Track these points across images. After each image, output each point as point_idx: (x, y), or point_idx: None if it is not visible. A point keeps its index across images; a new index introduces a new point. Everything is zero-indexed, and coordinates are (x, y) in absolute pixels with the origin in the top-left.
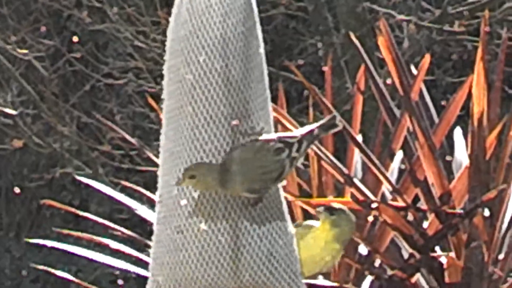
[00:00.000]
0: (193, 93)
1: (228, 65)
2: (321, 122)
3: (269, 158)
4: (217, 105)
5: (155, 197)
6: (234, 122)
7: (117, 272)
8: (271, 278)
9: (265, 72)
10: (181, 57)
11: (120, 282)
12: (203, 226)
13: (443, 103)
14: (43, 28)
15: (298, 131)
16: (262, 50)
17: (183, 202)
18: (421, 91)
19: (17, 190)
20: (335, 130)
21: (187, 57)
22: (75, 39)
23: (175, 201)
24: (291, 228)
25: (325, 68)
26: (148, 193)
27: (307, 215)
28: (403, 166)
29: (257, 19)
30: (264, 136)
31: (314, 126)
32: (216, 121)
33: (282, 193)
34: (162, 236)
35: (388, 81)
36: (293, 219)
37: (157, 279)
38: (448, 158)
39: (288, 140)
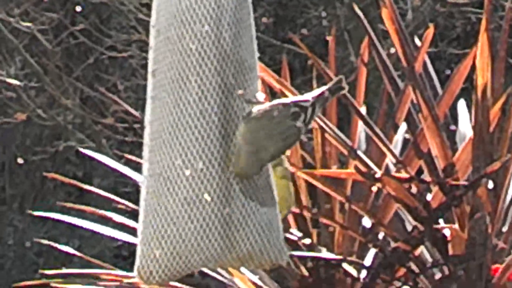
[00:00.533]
0: (201, 63)
1: (222, 32)
2: (329, 85)
3: (287, 123)
4: (212, 73)
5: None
6: (239, 92)
7: (120, 245)
8: (262, 248)
9: (254, 41)
10: (183, 28)
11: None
12: (206, 196)
13: (447, 72)
14: None
15: (310, 95)
16: (251, 19)
17: (187, 172)
18: (424, 63)
19: (20, 161)
20: (342, 92)
21: (181, 25)
22: (78, 8)
23: (178, 172)
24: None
25: (329, 38)
26: None
27: (310, 187)
28: (407, 136)
29: None
30: (279, 101)
31: (322, 89)
32: (211, 89)
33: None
34: (151, 210)
35: (392, 50)
36: (297, 191)
37: (154, 252)
38: (452, 127)
39: (303, 104)
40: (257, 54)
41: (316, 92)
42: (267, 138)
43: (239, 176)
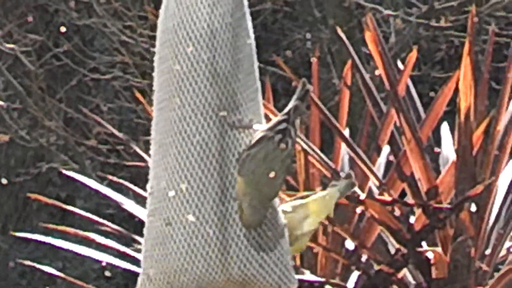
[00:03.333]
0: (181, 84)
1: (216, 56)
2: (296, 94)
3: (279, 156)
4: (205, 97)
5: (142, 191)
6: (222, 114)
7: (104, 267)
8: (261, 270)
9: (255, 63)
10: (170, 48)
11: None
12: (191, 217)
13: (430, 95)
14: (30, 19)
15: (282, 114)
16: (252, 41)
17: (171, 193)
18: (408, 86)
19: (4, 181)
20: (309, 93)
21: (175, 49)
22: (63, 29)
23: (163, 193)
24: (282, 220)
25: (313, 59)
26: (135, 188)
27: None
28: (390, 159)
29: (246, 10)
30: (258, 135)
31: (292, 101)
32: (204, 112)
33: None
34: (152, 228)
35: (377, 72)
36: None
37: (148, 272)
38: (436, 150)
39: (280, 127)
40: (258, 75)
41: (288, 107)
42: (267, 182)
43: (248, 227)
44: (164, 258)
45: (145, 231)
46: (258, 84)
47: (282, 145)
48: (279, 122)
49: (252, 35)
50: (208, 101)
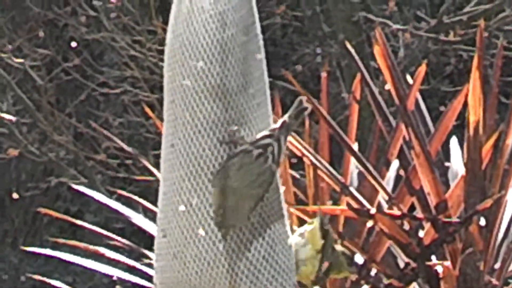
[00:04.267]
0: (190, 99)
1: (225, 71)
2: (290, 110)
3: (257, 169)
4: (214, 111)
5: (151, 206)
6: (232, 128)
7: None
8: (269, 286)
9: (266, 78)
10: (179, 62)
11: None
12: (201, 232)
13: (440, 109)
14: (41, 34)
15: (269, 130)
16: (262, 56)
17: (182, 208)
18: (417, 100)
19: (15, 196)
20: (306, 113)
21: (185, 64)
22: (74, 44)
23: (162, 204)
24: (290, 238)
25: (323, 74)
26: (144, 202)
27: (303, 223)
28: (400, 172)
29: (257, 25)
30: (238, 148)
31: (284, 117)
32: (213, 127)
33: (282, 197)
34: (156, 240)
35: (387, 86)
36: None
37: (156, 283)
38: (446, 164)
39: (263, 142)
40: (268, 90)
41: (278, 123)
42: (242, 190)
43: (223, 228)
44: (165, 269)
45: (155, 245)
46: (268, 99)
47: (262, 159)
48: (263, 137)
49: (262, 50)
50: (217, 116)
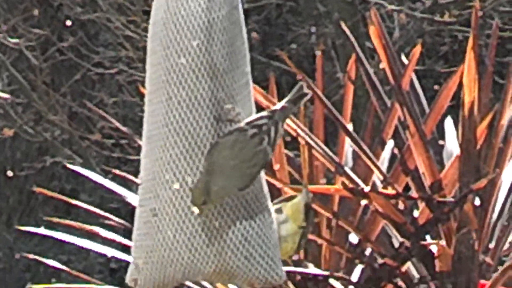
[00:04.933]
0: (186, 78)
1: (213, 46)
2: (290, 95)
3: (251, 149)
4: (210, 90)
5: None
6: (227, 106)
7: (108, 260)
8: (246, 263)
9: (247, 57)
10: (161, 40)
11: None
12: (195, 210)
13: (435, 88)
14: (35, 13)
15: (267, 111)
16: (244, 33)
17: (176, 185)
18: (412, 80)
19: (10, 173)
20: (305, 99)
21: (168, 41)
22: (68, 23)
23: (152, 183)
24: (272, 214)
25: (318, 53)
26: (139, 182)
27: None
28: (395, 152)
29: (240, 5)
30: (233, 127)
31: (283, 101)
32: (196, 104)
33: (263, 178)
34: (141, 219)
35: (381, 65)
36: None
37: (137, 262)
38: (440, 142)
39: (259, 122)
40: (249, 71)
41: (277, 106)
42: (233, 169)
43: (202, 205)
44: (152, 249)
45: (135, 221)
46: (250, 78)
47: (256, 140)
48: (260, 118)
49: (244, 28)
50: (214, 95)
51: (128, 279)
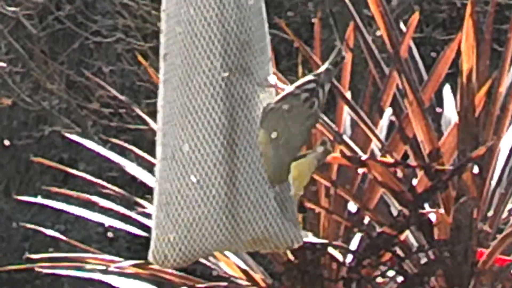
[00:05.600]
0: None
1: (215, 15)
2: (330, 58)
3: (304, 113)
4: (203, 56)
5: (144, 154)
6: (225, 74)
7: (106, 230)
8: (282, 227)
9: (265, 20)
10: (172, 8)
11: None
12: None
13: (432, 54)
14: None
15: (313, 75)
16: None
17: (197, 156)
18: (410, 48)
19: (7, 142)
20: (343, 62)
21: (177, 9)
22: None
23: (191, 156)
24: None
25: (314, 20)
26: (137, 151)
27: None
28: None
29: None
30: (286, 91)
31: (326, 64)
32: (204, 72)
33: None
34: (176, 192)
35: (378, 33)
36: None
37: (169, 237)
38: (438, 110)
39: (309, 87)
40: (268, 37)
41: (321, 69)
42: (291, 136)
43: (273, 182)
44: (193, 221)
45: (159, 196)
46: (269, 46)
47: (308, 103)
48: (308, 82)
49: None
50: (207, 61)
51: (152, 255)
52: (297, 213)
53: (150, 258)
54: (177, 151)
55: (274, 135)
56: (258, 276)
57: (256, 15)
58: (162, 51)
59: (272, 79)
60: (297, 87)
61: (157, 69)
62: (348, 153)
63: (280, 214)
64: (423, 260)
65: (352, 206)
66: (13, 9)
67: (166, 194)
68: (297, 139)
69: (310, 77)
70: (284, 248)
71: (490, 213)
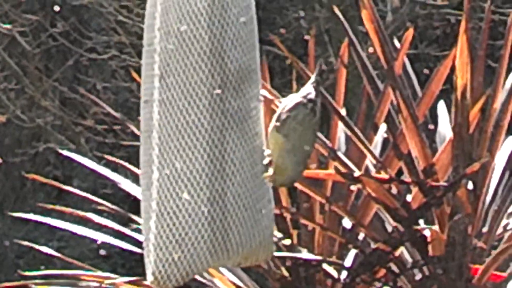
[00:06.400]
0: (176, 62)
1: (213, 32)
2: (316, 71)
3: (311, 121)
4: (201, 75)
5: (139, 171)
6: (216, 92)
7: (100, 246)
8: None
9: (257, 40)
10: (170, 27)
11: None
12: (185, 196)
13: (426, 71)
14: None
15: (311, 84)
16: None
17: (191, 174)
18: (404, 64)
19: (1, 160)
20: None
21: (175, 28)
22: (57, 8)
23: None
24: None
25: (308, 37)
26: (131, 167)
27: (290, 188)
28: (387, 136)
29: None
30: (294, 101)
31: (314, 76)
32: (196, 88)
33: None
34: (178, 211)
35: (371, 49)
36: (277, 192)
37: (173, 256)
38: (431, 127)
39: (312, 97)
40: (258, 54)
41: (312, 80)
42: (304, 141)
43: (285, 185)
44: (201, 239)
45: (158, 217)
46: (258, 63)
47: (312, 113)
48: (310, 92)
49: (253, 15)
50: (201, 78)
51: (154, 276)
52: (273, 224)
53: (149, 279)
54: (177, 171)
55: (291, 141)
56: None
57: (248, 32)
58: (157, 70)
59: (263, 95)
60: (303, 97)
61: None
62: (342, 169)
63: (267, 228)
64: (418, 276)
65: (347, 223)
66: (7, 26)
67: (168, 213)
68: (309, 145)
69: (309, 87)
70: (262, 260)
71: (484, 229)
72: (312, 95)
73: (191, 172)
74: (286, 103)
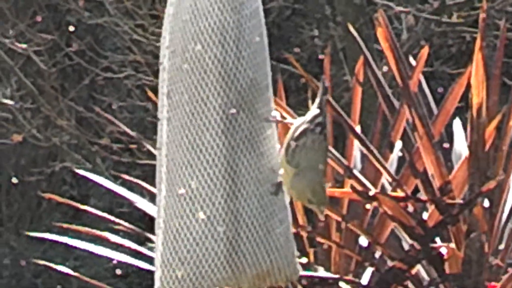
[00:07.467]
0: (189, 81)
1: (224, 52)
2: (320, 90)
3: (322, 143)
4: (212, 93)
5: (155, 190)
6: (232, 111)
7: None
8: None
9: (267, 61)
10: (178, 45)
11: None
12: (201, 215)
13: (440, 90)
14: (39, 19)
15: (317, 107)
16: (262, 38)
17: (182, 191)
18: (420, 82)
19: (15, 180)
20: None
21: (184, 46)
22: (72, 28)
23: (199, 193)
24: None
25: (322, 56)
26: (148, 186)
27: (306, 209)
28: (403, 154)
29: (259, 7)
30: (301, 128)
31: (319, 98)
32: (212, 109)
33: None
34: (186, 229)
35: (385, 68)
36: (293, 210)
37: (176, 274)
38: (446, 145)
39: (320, 120)
40: (270, 75)
41: (318, 101)
42: (316, 162)
43: (324, 205)
44: (202, 257)
45: (165, 234)
46: (270, 84)
47: (322, 136)
48: (318, 115)
49: (263, 32)
50: (215, 97)
51: None
52: (295, 245)
53: None
54: (185, 188)
55: (302, 167)
56: None
57: (261, 52)
58: (165, 88)
59: (276, 115)
60: (309, 121)
61: None
62: (358, 187)
63: (283, 248)
64: None
65: (363, 241)
66: (23, 45)
67: (174, 231)
68: (323, 163)
69: (316, 110)
70: (283, 281)
71: (501, 247)
72: (319, 118)
73: (206, 191)
74: (294, 129)
